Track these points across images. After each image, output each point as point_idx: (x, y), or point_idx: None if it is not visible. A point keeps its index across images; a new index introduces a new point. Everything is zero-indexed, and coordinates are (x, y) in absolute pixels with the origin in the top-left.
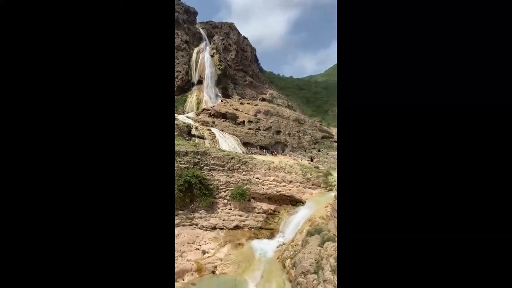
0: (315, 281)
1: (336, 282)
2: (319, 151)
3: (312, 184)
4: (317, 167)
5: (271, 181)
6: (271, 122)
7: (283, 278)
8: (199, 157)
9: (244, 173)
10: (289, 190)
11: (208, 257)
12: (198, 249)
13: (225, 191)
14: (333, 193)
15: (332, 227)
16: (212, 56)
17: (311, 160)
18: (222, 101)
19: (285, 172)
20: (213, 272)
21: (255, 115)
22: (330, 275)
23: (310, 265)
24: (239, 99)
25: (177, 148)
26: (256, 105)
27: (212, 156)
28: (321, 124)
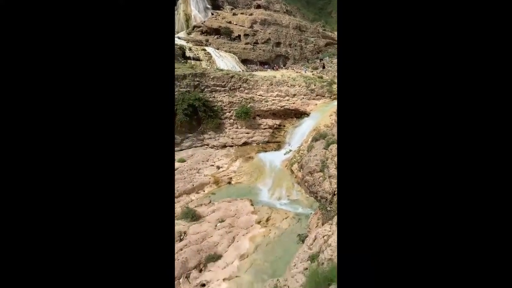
0: (321, 178)
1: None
2: (320, 60)
3: (316, 95)
4: (321, 77)
5: (275, 97)
6: (269, 33)
7: (292, 181)
8: (198, 79)
9: (246, 91)
10: (293, 103)
11: (222, 171)
12: (213, 165)
13: (229, 112)
14: None
15: (336, 131)
16: None
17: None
18: (212, 14)
19: (288, 86)
20: (229, 183)
21: (251, 26)
22: (334, 172)
23: (316, 165)
24: (231, 9)
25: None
26: (251, 14)
27: (211, 76)
28: (324, 30)
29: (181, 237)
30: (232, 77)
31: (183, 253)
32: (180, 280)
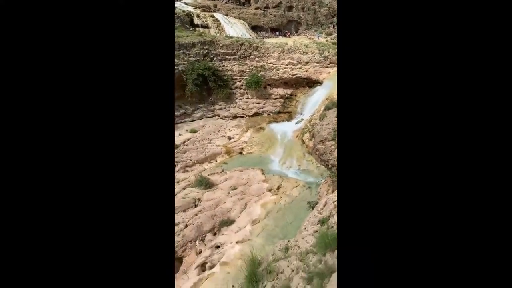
0: (332, 146)
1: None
2: (335, 25)
3: (330, 63)
4: (335, 43)
5: (286, 65)
6: None
7: (303, 151)
8: (207, 47)
9: (256, 59)
10: (306, 71)
11: (234, 141)
12: (224, 135)
13: (240, 81)
14: None
15: None
16: None
17: None
18: None
19: (300, 53)
20: (240, 153)
21: None
22: None
23: (328, 134)
24: None
25: (182, 40)
26: None
27: (221, 44)
28: None
29: (196, 203)
30: (242, 44)
31: (198, 218)
32: (196, 242)
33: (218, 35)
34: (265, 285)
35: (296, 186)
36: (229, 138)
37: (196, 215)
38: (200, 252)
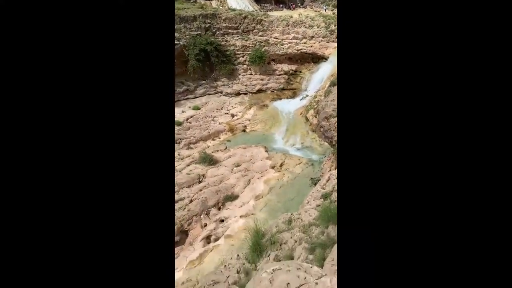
0: (336, 123)
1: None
2: None
3: (336, 37)
4: None
5: (291, 39)
6: None
7: (306, 129)
8: (209, 21)
9: (260, 33)
10: (311, 46)
11: (237, 119)
12: (227, 113)
13: (243, 56)
14: None
15: None
16: None
17: None
18: None
19: (305, 27)
20: (244, 130)
21: None
22: None
23: (332, 110)
24: None
25: (183, 13)
26: None
27: (223, 18)
28: None
29: (200, 179)
30: (245, 17)
31: (203, 193)
32: (201, 216)
33: (220, 7)
34: (269, 255)
35: (299, 163)
36: (232, 115)
37: (200, 190)
38: (205, 225)
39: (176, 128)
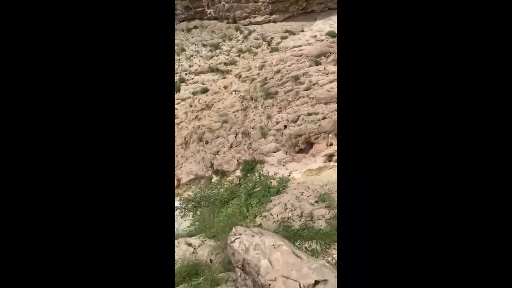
0: None
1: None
2: None
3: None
4: None
5: None
6: None
7: None
8: None
9: None
10: None
11: None
12: None
13: None
14: None
15: None
16: None
17: None
18: None
19: None
20: None
21: None
22: None
23: None
24: None
25: None
26: None
27: None
28: None
29: None
30: None
31: (336, 114)
32: (330, 135)
33: None
34: None
35: None
36: None
37: (335, 109)
38: (331, 144)
39: None
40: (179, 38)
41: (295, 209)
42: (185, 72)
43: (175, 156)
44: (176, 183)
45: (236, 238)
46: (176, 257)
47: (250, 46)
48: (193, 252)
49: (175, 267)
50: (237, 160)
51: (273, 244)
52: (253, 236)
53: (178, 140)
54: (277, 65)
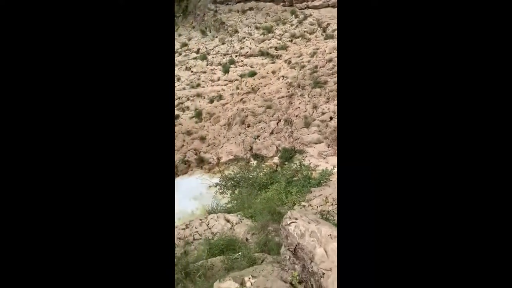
0: None
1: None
2: None
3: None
4: None
5: None
6: None
7: None
8: None
9: None
10: None
11: None
12: None
13: None
14: None
15: None
16: None
17: None
18: None
19: None
20: None
21: None
22: None
23: None
24: None
25: None
26: None
27: None
28: None
29: None
30: None
31: None
32: None
33: None
34: None
35: None
36: None
37: None
38: None
39: None
40: (234, 19)
41: (336, 204)
42: (236, 54)
43: (218, 135)
44: (216, 161)
45: (292, 222)
46: (215, 230)
47: (304, 31)
48: (230, 228)
49: (213, 240)
50: (276, 147)
51: (330, 234)
52: (309, 223)
53: (222, 121)
54: (330, 53)
